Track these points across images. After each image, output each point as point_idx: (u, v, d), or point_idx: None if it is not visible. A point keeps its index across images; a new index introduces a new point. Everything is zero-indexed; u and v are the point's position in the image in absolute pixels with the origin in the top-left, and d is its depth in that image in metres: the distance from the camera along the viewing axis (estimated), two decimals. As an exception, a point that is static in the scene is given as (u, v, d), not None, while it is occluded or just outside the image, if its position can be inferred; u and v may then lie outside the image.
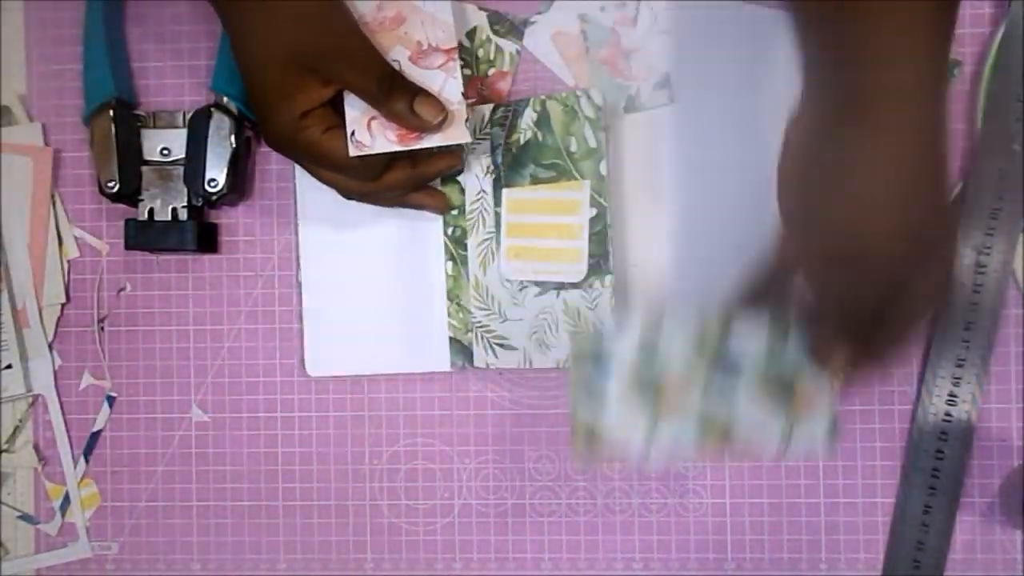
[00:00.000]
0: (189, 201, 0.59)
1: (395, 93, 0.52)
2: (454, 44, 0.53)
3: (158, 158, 0.59)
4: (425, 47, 0.53)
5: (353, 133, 0.53)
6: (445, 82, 0.53)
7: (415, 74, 0.53)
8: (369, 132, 0.53)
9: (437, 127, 0.52)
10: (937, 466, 0.56)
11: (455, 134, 0.53)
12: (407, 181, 0.56)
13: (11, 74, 0.62)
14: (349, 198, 0.56)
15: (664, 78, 0.59)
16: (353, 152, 0.52)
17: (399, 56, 0.53)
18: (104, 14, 0.60)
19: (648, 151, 0.59)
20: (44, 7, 0.62)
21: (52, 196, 0.62)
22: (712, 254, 0.58)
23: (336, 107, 0.53)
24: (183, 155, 0.59)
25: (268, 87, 0.51)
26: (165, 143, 0.59)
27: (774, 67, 0.58)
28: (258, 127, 0.55)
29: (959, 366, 0.56)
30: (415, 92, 0.52)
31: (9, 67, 0.62)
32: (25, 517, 0.61)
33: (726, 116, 0.58)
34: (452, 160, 0.57)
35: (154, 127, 0.60)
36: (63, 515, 0.61)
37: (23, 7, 0.62)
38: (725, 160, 0.58)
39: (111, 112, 0.59)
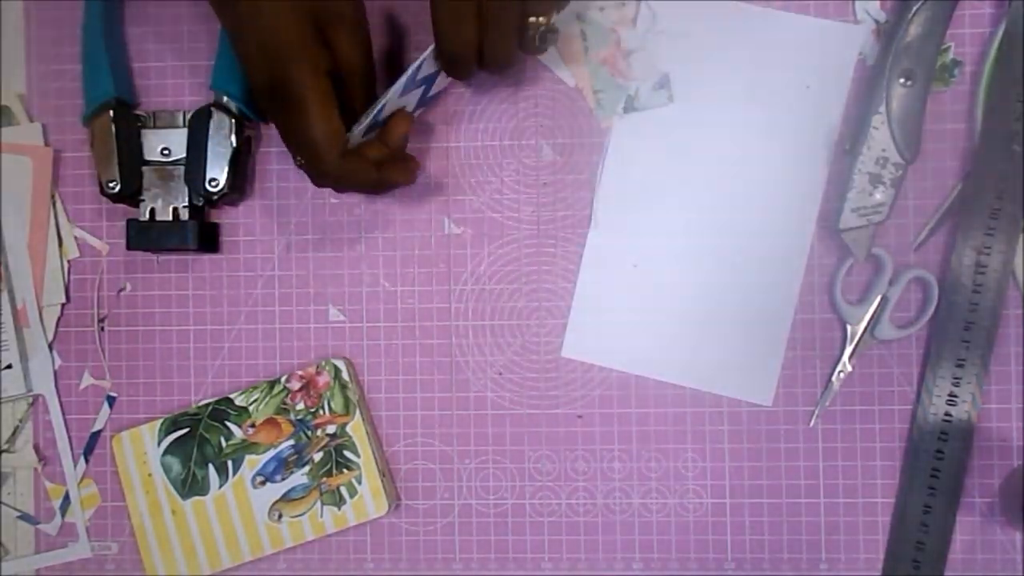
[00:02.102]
0: (190, 201, 0.59)
1: (372, 81, 0.56)
2: None
3: (159, 158, 0.59)
4: None
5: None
6: None
7: None
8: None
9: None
10: (937, 466, 0.56)
11: None
12: (368, 182, 0.56)
13: (11, 74, 0.62)
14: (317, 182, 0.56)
15: (663, 78, 0.59)
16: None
17: None
18: (104, 14, 0.60)
19: (647, 151, 0.59)
20: (44, 7, 0.62)
21: (52, 196, 0.62)
22: (711, 253, 0.59)
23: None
24: (184, 155, 0.59)
25: (287, 35, 0.51)
26: (165, 143, 0.59)
27: (774, 67, 0.58)
28: (253, 81, 0.53)
29: (959, 366, 0.56)
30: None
31: (9, 67, 0.62)
32: (25, 517, 0.61)
33: (725, 116, 0.58)
34: (408, 176, 0.58)
35: (154, 127, 0.60)
36: (63, 515, 0.61)
37: (23, 7, 0.63)
38: (723, 159, 0.58)
39: (111, 112, 0.59)
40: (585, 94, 0.59)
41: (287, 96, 0.52)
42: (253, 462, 0.59)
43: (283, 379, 0.59)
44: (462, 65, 0.54)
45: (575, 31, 0.59)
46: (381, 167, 0.56)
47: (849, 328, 0.57)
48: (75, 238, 0.62)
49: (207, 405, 0.60)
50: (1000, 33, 0.56)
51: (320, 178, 0.55)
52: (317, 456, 0.59)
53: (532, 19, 0.52)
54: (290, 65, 0.52)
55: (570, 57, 0.60)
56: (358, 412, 0.59)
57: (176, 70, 0.61)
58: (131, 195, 0.59)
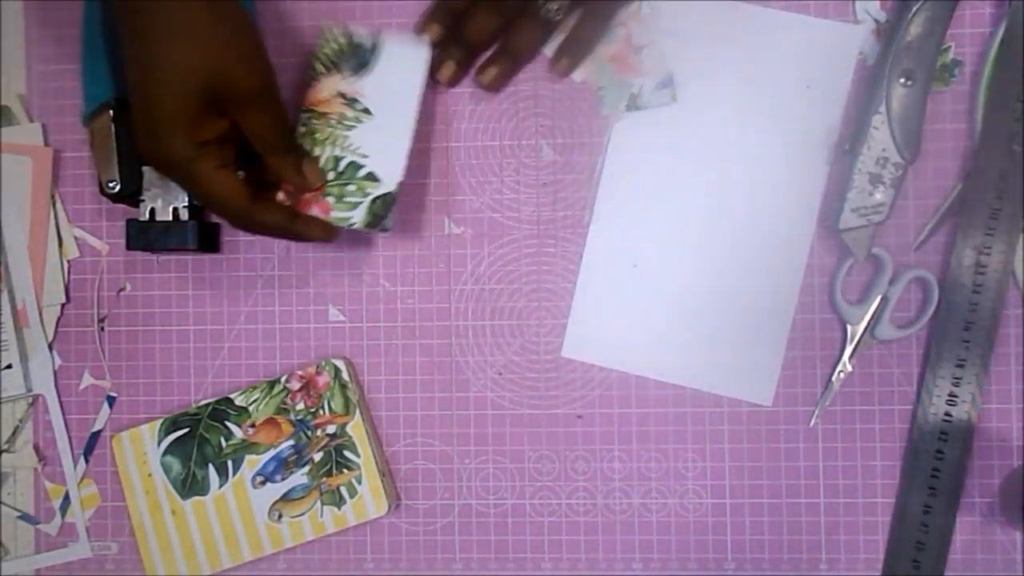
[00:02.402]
0: (190, 201, 0.59)
1: (291, 147, 0.54)
2: None
3: (158, 158, 0.59)
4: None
5: None
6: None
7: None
8: None
9: (315, 190, 0.55)
10: (937, 466, 0.56)
11: None
12: (279, 229, 0.55)
13: (11, 74, 0.62)
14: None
15: (667, 77, 0.59)
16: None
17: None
18: (104, 14, 0.60)
19: (647, 151, 0.59)
20: (44, 7, 0.62)
21: (52, 196, 0.62)
22: (711, 253, 0.59)
23: (229, 144, 0.53)
24: (183, 155, 0.59)
25: (169, 110, 0.50)
26: (165, 143, 0.59)
27: (774, 67, 0.58)
28: (138, 143, 0.52)
29: (959, 366, 0.56)
30: (304, 153, 0.55)
31: (9, 67, 0.62)
32: (25, 517, 0.61)
33: (725, 116, 0.58)
34: (328, 232, 0.56)
35: (154, 127, 0.60)
36: (63, 515, 0.61)
37: (23, 7, 0.63)
38: (723, 159, 0.58)
39: (111, 112, 0.59)
40: (590, 91, 0.59)
41: (170, 166, 0.52)
42: (253, 462, 0.59)
43: (283, 379, 0.59)
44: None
45: None
46: (296, 219, 0.55)
47: (849, 328, 0.57)
48: (75, 238, 0.62)
49: (207, 405, 0.60)
50: (1000, 33, 0.56)
51: (232, 225, 0.55)
52: (317, 456, 0.59)
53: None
54: (167, 140, 0.50)
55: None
56: (358, 412, 0.59)
57: (176, 70, 0.61)
58: (131, 195, 0.59)
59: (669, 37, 0.59)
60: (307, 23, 0.61)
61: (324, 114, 0.57)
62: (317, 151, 0.56)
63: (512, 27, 0.57)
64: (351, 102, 0.57)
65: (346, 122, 0.56)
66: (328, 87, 0.57)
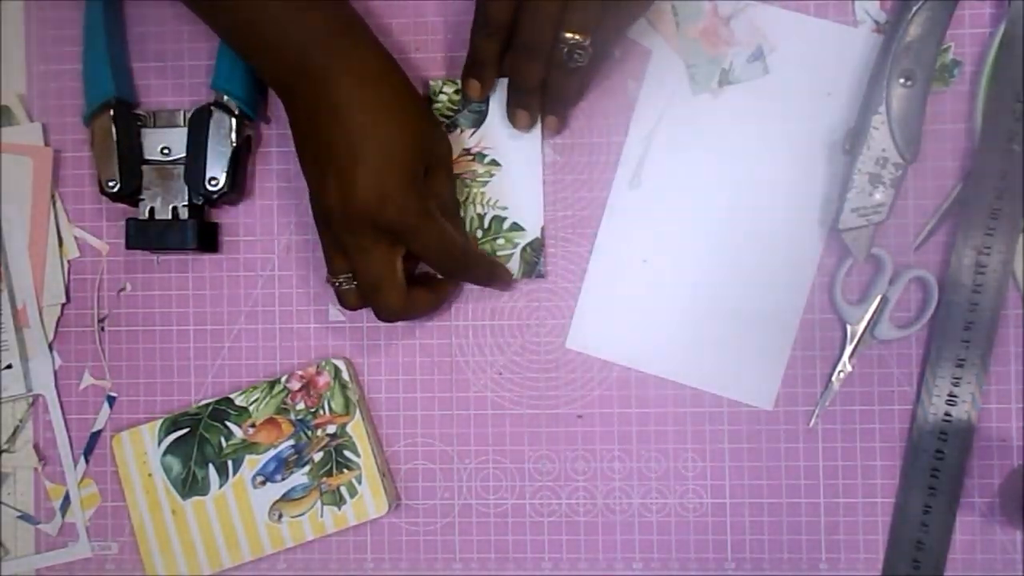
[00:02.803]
0: (190, 200, 0.59)
1: (459, 212, 0.58)
2: None
3: (159, 157, 0.59)
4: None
5: None
6: None
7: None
8: None
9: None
10: (937, 466, 0.56)
11: None
12: (485, 271, 0.57)
13: (11, 74, 0.62)
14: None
15: (758, 50, 0.58)
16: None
17: None
18: (104, 14, 0.60)
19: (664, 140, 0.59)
20: (44, 7, 0.62)
21: (52, 196, 0.62)
22: (719, 254, 0.59)
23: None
24: (184, 154, 0.59)
25: (406, 169, 0.51)
26: (165, 142, 0.59)
27: (773, 67, 0.58)
28: (361, 208, 0.51)
29: (959, 366, 0.56)
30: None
31: (9, 67, 0.62)
32: (25, 517, 0.61)
33: (726, 115, 0.58)
34: (510, 278, 0.59)
35: (154, 126, 0.60)
36: (63, 515, 0.61)
37: (23, 7, 0.63)
38: (723, 159, 0.58)
39: (111, 112, 0.59)
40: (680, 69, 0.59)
41: (407, 223, 0.52)
42: (253, 462, 0.59)
43: (283, 379, 0.59)
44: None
45: (666, 7, 0.59)
46: (494, 263, 0.58)
47: (849, 328, 0.57)
48: (75, 238, 0.62)
49: (207, 405, 0.60)
50: (1000, 33, 0.56)
51: (449, 276, 0.57)
52: (317, 456, 0.59)
53: (568, 35, 0.52)
54: (405, 200, 0.51)
55: (668, 34, 0.58)
56: (358, 412, 0.59)
57: (176, 70, 0.61)
58: (130, 194, 0.59)
59: (756, 4, 0.58)
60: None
61: (458, 175, 0.58)
62: (460, 213, 0.58)
63: (551, 75, 0.55)
64: (478, 157, 0.58)
65: (479, 179, 0.58)
66: (454, 147, 0.58)
